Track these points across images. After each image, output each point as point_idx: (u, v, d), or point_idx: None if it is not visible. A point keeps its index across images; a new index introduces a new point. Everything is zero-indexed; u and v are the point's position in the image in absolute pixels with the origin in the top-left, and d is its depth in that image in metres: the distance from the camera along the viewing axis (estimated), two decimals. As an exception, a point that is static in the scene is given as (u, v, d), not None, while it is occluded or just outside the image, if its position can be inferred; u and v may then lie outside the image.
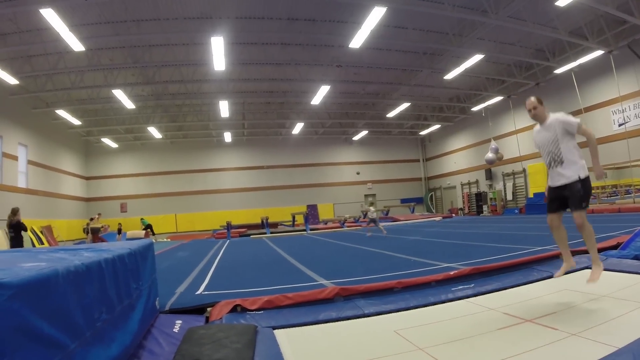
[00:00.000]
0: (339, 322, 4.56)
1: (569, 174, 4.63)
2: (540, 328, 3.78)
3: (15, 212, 13.49)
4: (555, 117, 4.77)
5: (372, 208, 18.16)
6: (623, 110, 20.31)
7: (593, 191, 22.75)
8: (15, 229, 13.42)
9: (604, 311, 4.05)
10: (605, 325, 3.63)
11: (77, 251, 3.54)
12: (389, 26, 17.81)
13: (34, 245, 18.21)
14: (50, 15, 13.12)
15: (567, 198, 4.69)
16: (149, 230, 27.21)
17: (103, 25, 16.54)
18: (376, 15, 15.14)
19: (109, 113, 27.81)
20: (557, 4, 15.10)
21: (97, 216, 23.29)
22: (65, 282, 2.32)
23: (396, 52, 21.85)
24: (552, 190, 4.85)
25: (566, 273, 5.16)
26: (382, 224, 18.40)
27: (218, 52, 17.06)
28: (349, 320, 4.60)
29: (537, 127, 4.99)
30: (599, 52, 19.91)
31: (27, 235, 18.28)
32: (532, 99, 4.92)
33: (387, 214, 28.80)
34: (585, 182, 4.59)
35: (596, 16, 18.61)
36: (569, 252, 4.89)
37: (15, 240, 13.45)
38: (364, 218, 18.18)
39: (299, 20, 17.86)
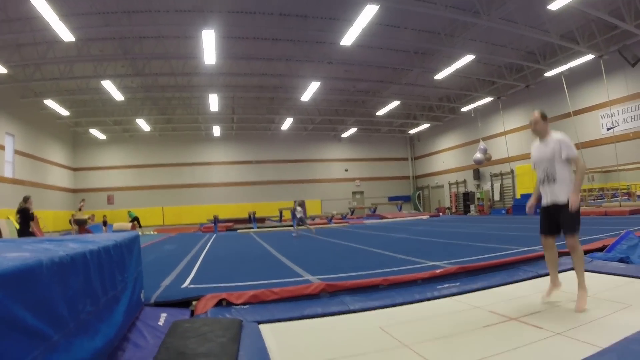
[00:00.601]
0: (324, 318, 4.56)
1: (560, 194, 4.64)
2: (525, 326, 3.81)
3: (25, 199, 13.66)
4: (558, 137, 4.75)
5: (299, 208, 17.85)
6: (612, 114, 20.47)
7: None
8: (22, 216, 13.51)
9: (589, 312, 4.10)
10: (590, 325, 3.67)
11: (62, 242, 3.52)
12: (381, 24, 17.82)
13: (19, 236, 18.09)
14: (40, 4, 12.96)
15: (558, 221, 4.69)
16: (135, 222, 27.07)
17: (94, 16, 16.39)
18: (368, 13, 15.12)
19: (98, 104, 27.64)
20: (549, 7, 15.15)
21: (81, 203, 23.14)
22: (50, 273, 2.30)
23: (387, 51, 21.86)
24: (544, 210, 4.86)
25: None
26: (311, 225, 18.55)
27: (209, 46, 16.98)
28: (335, 316, 4.60)
29: (537, 142, 4.98)
30: (589, 57, 20.03)
31: (12, 226, 18.20)
32: (536, 113, 4.90)
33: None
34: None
35: (587, 21, 18.72)
36: (557, 274, 4.90)
37: (21, 227, 13.65)
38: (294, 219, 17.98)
39: (291, 16, 17.81)
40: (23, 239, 6.14)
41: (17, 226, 14.11)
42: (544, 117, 4.90)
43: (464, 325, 4.01)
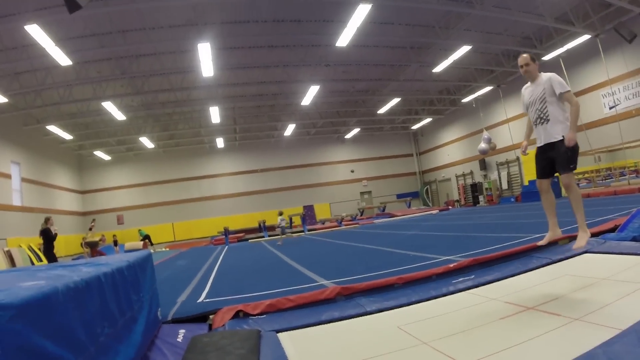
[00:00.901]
0: (341, 322, 4.55)
1: (554, 133, 4.65)
2: (542, 315, 3.79)
3: (46, 220, 14.02)
4: (548, 75, 4.77)
5: (279, 217, 18.61)
6: (613, 93, 20.39)
7: (587, 175, 22.92)
8: (44, 237, 13.87)
9: (606, 294, 4.06)
10: (608, 308, 3.64)
11: (76, 267, 3.53)
12: (375, 23, 17.82)
13: (32, 263, 18.20)
14: (35, 31, 13.09)
15: (554, 161, 4.70)
16: (146, 240, 27.13)
17: (89, 38, 16.49)
18: (362, 13, 15.16)
19: (100, 126, 27.75)
20: (541, -10, 15.16)
21: (92, 223, 23.27)
22: (66, 299, 2.32)
23: (384, 48, 21.86)
24: (540, 151, 4.88)
25: (550, 243, 5.21)
26: (288, 233, 19.80)
27: (205, 59, 17.06)
28: (352, 319, 4.60)
29: (527, 85, 4.99)
30: (585, 37, 19.95)
31: (24, 254, 18.33)
32: (526, 55, 4.91)
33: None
34: None
35: (581, 1, 18.66)
36: (555, 221, 4.91)
37: (45, 248, 14.10)
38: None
39: (284, 22, 17.85)
40: (35, 266, 6.19)
41: (31, 253, 14.40)
42: (533, 59, 4.90)
43: (481, 318, 3.99)
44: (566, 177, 4.57)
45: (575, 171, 4.72)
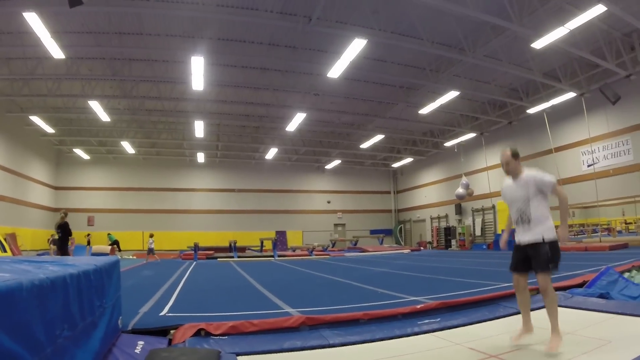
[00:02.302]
0: (303, 351, 4.51)
1: (534, 233, 4.45)
2: None
3: (66, 214, 14.80)
4: (531, 175, 4.56)
5: (150, 239, 20.83)
6: (592, 151, 20.89)
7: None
8: (62, 231, 14.31)
9: (569, 349, 4.08)
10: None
11: (42, 264, 3.47)
12: (368, 58, 18.08)
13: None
14: (33, 20, 12.99)
15: (531, 258, 4.48)
16: (114, 246, 26.72)
17: (85, 35, 16.46)
18: (356, 47, 15.37)
19: (84, 124, 27.45)
20: (533, 45, 15.53)
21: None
22: (29, 295, 2.28)
23: (373, 84, 22.15)
24: (518, 249, 4.68)
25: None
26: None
27: (197, 72, 17.10)
28: (314, 350, 4.55)
29: (509, 180, 4.78)
30: (571, 94, 20.55)
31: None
32: (508, 152, 4.67)
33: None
34: (552, 244, 4.38)
35: (570, 59, 19.24)
36: (529, 317, 4.69)
37: (60, 241, 14.48)
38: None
39: (280, 47, 18.01)
40: (1, 257, 6.07)
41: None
42: (515, 155, 4.66)
43: (444, 361, 3.99)
44: (543, 279, 4.31)
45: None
